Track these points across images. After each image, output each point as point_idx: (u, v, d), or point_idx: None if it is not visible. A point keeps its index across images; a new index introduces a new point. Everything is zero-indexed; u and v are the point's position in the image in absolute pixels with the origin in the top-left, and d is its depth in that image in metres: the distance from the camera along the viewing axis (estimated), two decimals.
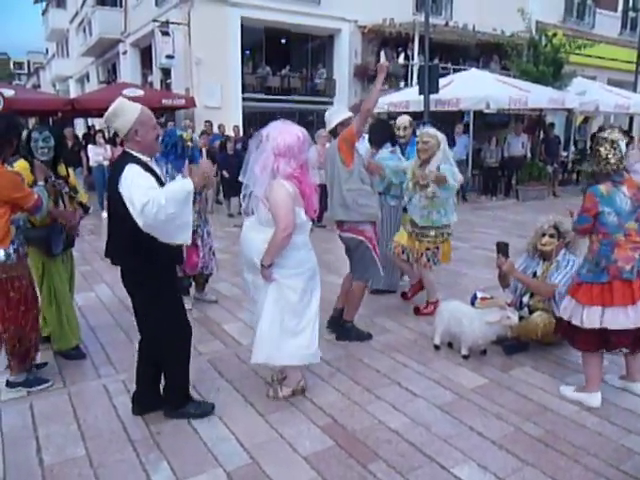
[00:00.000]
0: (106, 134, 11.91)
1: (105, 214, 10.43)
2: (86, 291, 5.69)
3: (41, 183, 3.53)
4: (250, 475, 2.70)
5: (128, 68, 20.88)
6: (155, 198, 2.63)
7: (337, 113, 4.28)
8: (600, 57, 19.30)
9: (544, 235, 4.14)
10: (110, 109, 2.82)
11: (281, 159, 3.09)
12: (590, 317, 3.24)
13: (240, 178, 3.28)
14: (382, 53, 17.52)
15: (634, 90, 16.81)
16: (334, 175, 4.19)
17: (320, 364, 3.76)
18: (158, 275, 2.95)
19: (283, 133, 3.10)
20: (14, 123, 3.45)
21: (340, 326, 4.39)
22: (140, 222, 2.67)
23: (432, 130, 4.66)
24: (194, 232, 4.92)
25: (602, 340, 3.29)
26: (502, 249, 4.16)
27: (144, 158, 2.89)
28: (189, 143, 4.68)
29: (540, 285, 4.06)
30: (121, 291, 5.52)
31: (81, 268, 6.51)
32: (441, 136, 4.59)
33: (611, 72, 20.90)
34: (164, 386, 3.22)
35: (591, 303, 3.23)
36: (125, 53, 20.95)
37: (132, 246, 2.83)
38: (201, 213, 5.01)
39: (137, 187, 2.68)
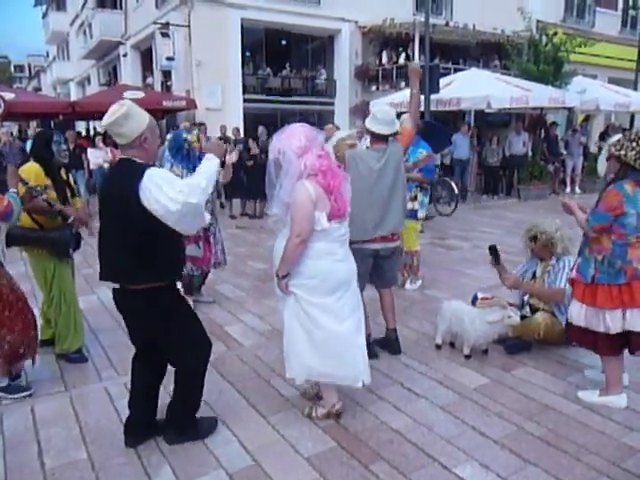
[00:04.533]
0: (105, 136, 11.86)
1: None
2: (88, 294, 5.69)
3: (13, 190, 3.35)
4: (252, 477, 2.70)
5: (129, 70, 20.93)
6: (194, 183, 2.55)
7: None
8: (600, 56, 19.26)
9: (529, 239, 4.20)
10: (121, 111, 2.53)
11: (305, 155, 2.88)
12: (615, 321, 3.15)
13: (271, 211, 3.09)
14: (384, 53, 17.55)
15: (634, 88, 16.76)
16: (398, 182, 3.92)
17: None
18: (173, 286, 2.84)
19: (292, 137, 2.90)
20: None
21: (396, 340, 4.18)
22: (177, 216, 2.48)
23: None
24: (207, 229, 4.99)
25: (624, 342, 3.24)
26: (492, 254, 4.08)
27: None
28: (195, 144, 4.69)
29: (551, 293, 3.99)
30: None
31: (83, 271, 6.52)
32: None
33: (611, 70, 20.85)
34: (172, 410, 2.97)
35: (613, 306, 3.13)
36: (126, 55, 20.99)
37: (144, 259, 2.61)
38: (214, 211, 5.11)
39: (169, 181, 2.52)
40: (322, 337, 2.97)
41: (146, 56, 19.74)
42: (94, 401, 3.49)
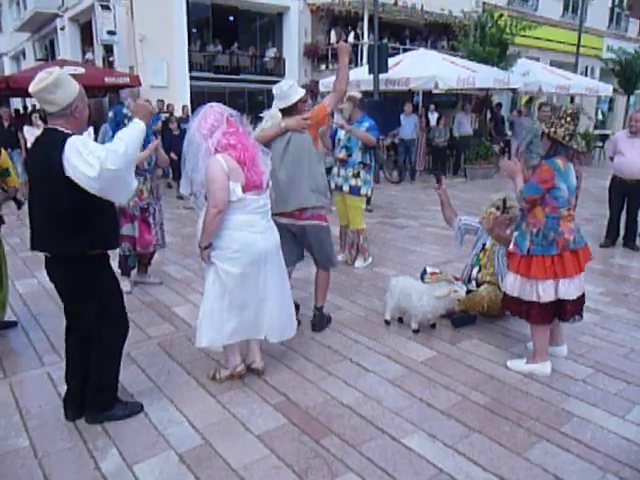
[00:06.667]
0: (44, 113, 11.30)
1: None
2: (28, 277, 5.45)
3: None
4: (203, 456, 2.68)
5: (67, 45, 19.89)
6: (112, 148, 2.46)
7: (295, 87, 3.87)
8: (543, 39, 19.83)
9: (495, 207, 4.26)
10: (50, 78, 2.47)
11: (213, 135, 2.97)
12: (547, 291, 3.30)
13: (182, 190, 3.23)
14: (332, 32, 17.44)
15: (575, 71, 17.39)
16: (302, 158, 3.76)
17: (272, 343, 3.75)
18: (101, 258, 2.79)
19: (202, 118, 2.99)
20: None
21: (319, 317, 4.21)
22: (97, 183, 2.44)
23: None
24: (145, 209, 4.82)
25: (556, 311, 3.40)
26: (436, 174, 4.43)
27: None
28: None
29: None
30: None
31: (21, 254, 6.25)
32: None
33: (553, 53, 21.56)
34: (90, 388, 2.92)
35: (545, 277, 3.28)
36: (63, 29, 19.92)
37: (74, 227, 2.60)
38: (152, 190, 4.89)
39: (90, 147, 2.47)
40: (238, 302, 3.12)
41: (86, 30, 18.80)
42: (35, 387, 3.36)
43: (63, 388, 3.25)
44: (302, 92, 3.84)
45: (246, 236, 3.07)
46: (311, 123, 3.74)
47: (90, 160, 2.42)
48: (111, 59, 16.79)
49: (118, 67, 15.61)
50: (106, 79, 13.26)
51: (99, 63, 17.48)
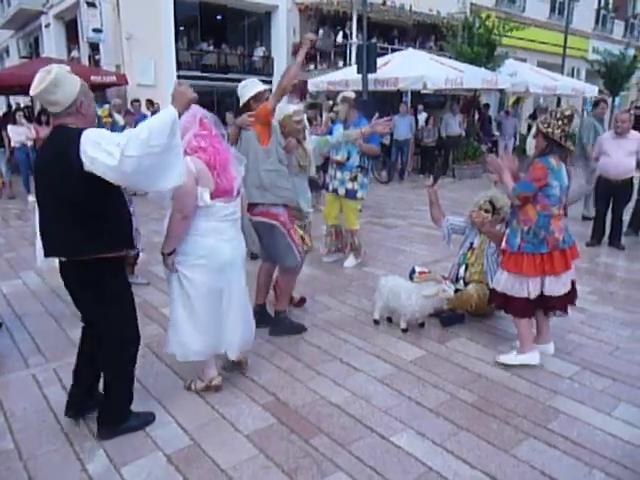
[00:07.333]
0: (29, 112, 11.15)
1: (32, 197, 9.87)
2: (12, 278, 5.39)
3: None
4: (191, 457, 2.67)
5: (52, 42, 19.65)
6: (133, 134, 2.31)
7: (250, 87, 3.87)
8: (530, 40, 19.97)
9: (480, 209, 4.27)
10: (49, 77, 2.35)
11: (184, 135, 2.81)
12: (535, 287, 3.41)
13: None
14: (321, 31, 17.42)
15: (561, 72, 17.54)
16: (247, 154, 3.68)
17: (261, 343, 3.75)
18: (117, 261, 2.67)
19: None
20: None
21: (273, 319, 4.11)
22: (119, 173, 2.31)
23: None
24: None
25: (538, 305, 3.50)
26: (436, 175, 4.43)
27: None
28: (107, 119, 4.41)
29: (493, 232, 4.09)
30: (52, 278, 5.29)
31: (6, 255, 6.19)
32: None
33: (540, 54, 21.69)
34: (104, 401, 2.83)
35: (535, 274, 3.38)
36: (48, 26, 19.67)
37: (93, 228, 2.49)
38: (127, 190, 4.81)
39: (107, 137, 2.36)
40: (200, 316, 2.99)
41: (71, 27, 18.58)
42: (20, 389, 3.31)
43: (50, 390, 3.24)
44: (254, 91, 3.84)
45: (213, 243, 2.93)
46: (255, 120, 3.72)
47: (110, 149, 2.30)
48: (97, 57, 16.60)
49: (104, 65, 15.45)
50: (92, 78, 13.10)
51: (85, 61, 17.28)
